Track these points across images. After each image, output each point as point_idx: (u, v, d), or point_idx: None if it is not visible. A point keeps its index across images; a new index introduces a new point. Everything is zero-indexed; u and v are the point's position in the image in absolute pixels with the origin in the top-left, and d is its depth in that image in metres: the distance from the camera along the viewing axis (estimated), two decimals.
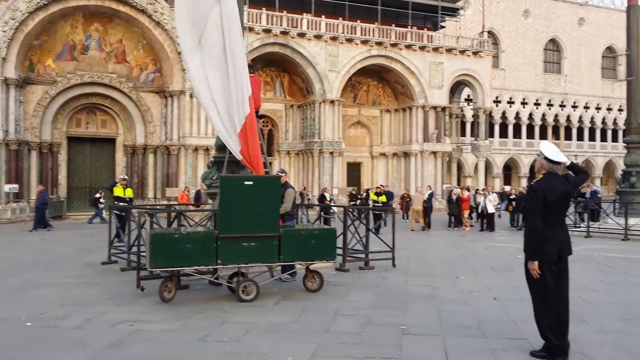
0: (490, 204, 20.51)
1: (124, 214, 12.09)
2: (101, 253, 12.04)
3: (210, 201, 9.52)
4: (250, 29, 29.34)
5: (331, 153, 33.07)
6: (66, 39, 27.39)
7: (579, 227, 18.78)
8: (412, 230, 20.37)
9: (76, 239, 16.89)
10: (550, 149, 5.12)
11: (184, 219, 10.14)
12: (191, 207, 16.77)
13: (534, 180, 5.23)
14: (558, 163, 5.08)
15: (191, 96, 28.49)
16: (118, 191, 14.71)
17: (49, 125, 27.12)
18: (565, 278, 5.08)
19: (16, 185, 24.70)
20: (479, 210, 21.13)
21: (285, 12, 31.34)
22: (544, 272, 4.96)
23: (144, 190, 28.74)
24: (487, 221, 20.70)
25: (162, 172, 28.79)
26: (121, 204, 14.19)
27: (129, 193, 15.03)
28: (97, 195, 24.06)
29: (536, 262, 4.94)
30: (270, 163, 26.90)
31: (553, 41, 54.32)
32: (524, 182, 48.44)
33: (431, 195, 22.43)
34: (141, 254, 8.33)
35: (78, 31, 27.63)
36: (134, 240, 9.64)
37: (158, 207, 13.64)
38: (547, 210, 4.98)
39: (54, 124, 27.38)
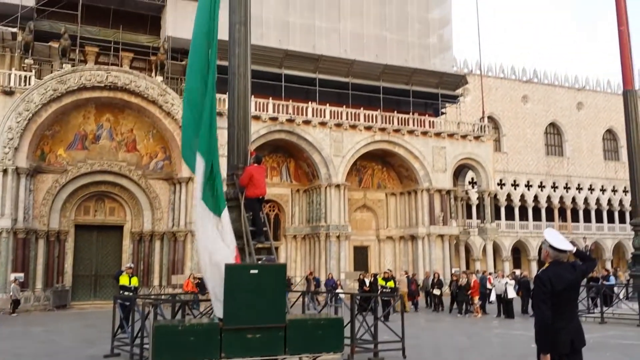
0: (511, 288, 19.36)
1: (128, 303, 11.94)
2: (104, 345, 11.79)
3: None
4: (257, 118, 30.20)
5: (337, 237, 32.96)
6: (78, 129, 28.02)
7: (592, 312, 18.30)
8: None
9: (79, 330, 16.59)
10: (555, 237, 5.08)
11: (189, 309, 10.00)
12: (196, 297, 16.56)
13: (541, 269, 5.17)
14: (564, 251, 5.05)
15: None
16: (124, 280, 14.60)
17: (57, 214, 27.30)
18: None
19: (22, 274, 24.53)
20: (500, 295, 19.74)
21: (291, 100, 32.33)
22: None
23: (149, 277, 28.47)
24: (506, 307, 19.44)
25: (168, 258, 28.61)
26: (126, 293, 14.07)
27: (134, 282, 14.92)
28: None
29: (548, 355, 4.80)
30: (277, 248, 26.74)
31: (553, 125, 55.27)
32: (534, 266, 47.71)
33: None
34: (144, 346, 8.17)
35: (90, 121, 28.35)
36: (137, 332, 9.48)
37: (162, 296, 13.48)
38: (556, 300, 4.89)
39: (62, 212, 27.57)
